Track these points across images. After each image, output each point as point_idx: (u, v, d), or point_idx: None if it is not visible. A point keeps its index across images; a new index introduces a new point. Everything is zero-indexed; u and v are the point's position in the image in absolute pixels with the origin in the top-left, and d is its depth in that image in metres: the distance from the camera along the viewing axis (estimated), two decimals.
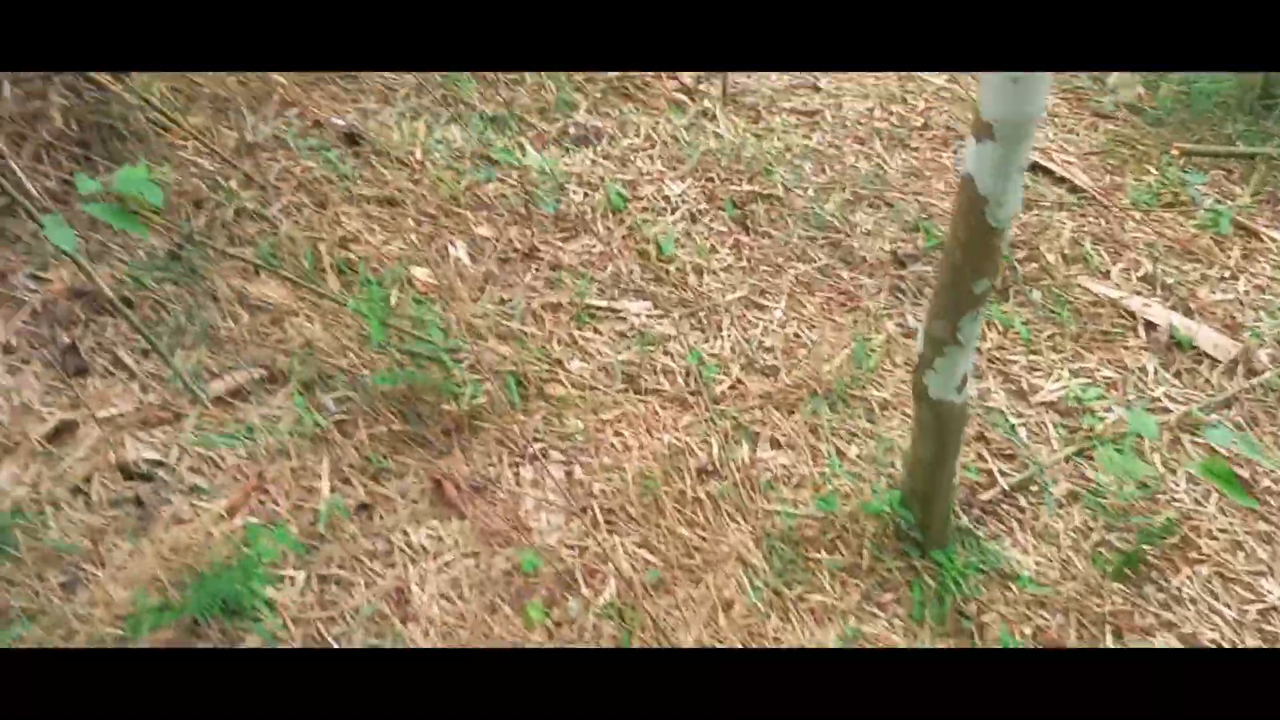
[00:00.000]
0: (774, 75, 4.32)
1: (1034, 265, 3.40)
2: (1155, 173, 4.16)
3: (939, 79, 4.62)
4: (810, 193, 3.52)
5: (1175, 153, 4.29)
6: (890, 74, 4.56)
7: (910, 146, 3.96)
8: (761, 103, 4.04)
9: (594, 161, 3.38)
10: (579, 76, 3.80)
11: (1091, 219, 3.77)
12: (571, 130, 3.49)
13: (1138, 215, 3.81)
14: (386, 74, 3.49)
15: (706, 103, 3.89)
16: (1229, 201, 3.91)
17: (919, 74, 4.61)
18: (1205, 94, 4.62)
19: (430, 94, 3.47)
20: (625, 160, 3.44)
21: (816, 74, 4.40)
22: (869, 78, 4.52)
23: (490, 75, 3.63)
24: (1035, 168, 4.00)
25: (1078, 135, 4.44)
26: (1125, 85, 4.78)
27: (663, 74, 3.96)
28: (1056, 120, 4.57)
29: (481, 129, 3.38)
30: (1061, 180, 3.94)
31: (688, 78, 4.01)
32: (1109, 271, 3.45)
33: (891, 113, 4.19)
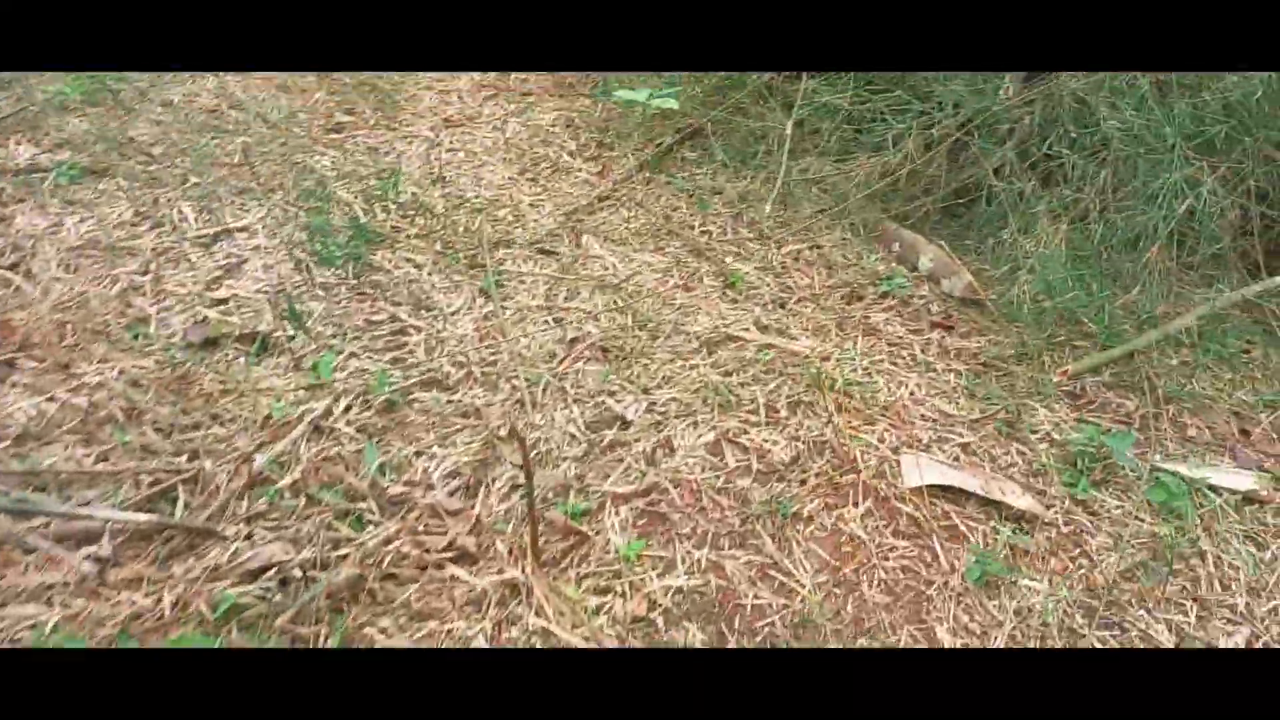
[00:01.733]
0: (566, 413, 2.89)
1: None
2: (1048, 419, 3.23)
3: (755, 335, 3.42)
4: None
5: (1060, 377, 3.41)
6: (701, 350, 3.29)
7: (803, 517, 2.71)
8: (582, 497, 2.59)
9: None
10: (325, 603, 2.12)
11: (1055, 564, 2.75)
12: None
13: (1109, 545, 2.79)
14: None
15: (509, 565, 2.37)
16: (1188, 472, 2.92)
17: (736, 332, 3.39)
18: (1050, 284, 3.75)
19: None
20: None
21: (614, 396, 3.02)
22: (674, 362, 3.22)
23: None
24: (941, 489, 2.87)
25: (937, 374, 3.45)
26: (949, 273, 3.89)
27: (435, 536, 2.38)
28: (896, 347, 3.55)
29: None
30: (987, 502, 2.86)
31: (464, 525, 2.45)
32: None
33: (738, 444, 2.90)
